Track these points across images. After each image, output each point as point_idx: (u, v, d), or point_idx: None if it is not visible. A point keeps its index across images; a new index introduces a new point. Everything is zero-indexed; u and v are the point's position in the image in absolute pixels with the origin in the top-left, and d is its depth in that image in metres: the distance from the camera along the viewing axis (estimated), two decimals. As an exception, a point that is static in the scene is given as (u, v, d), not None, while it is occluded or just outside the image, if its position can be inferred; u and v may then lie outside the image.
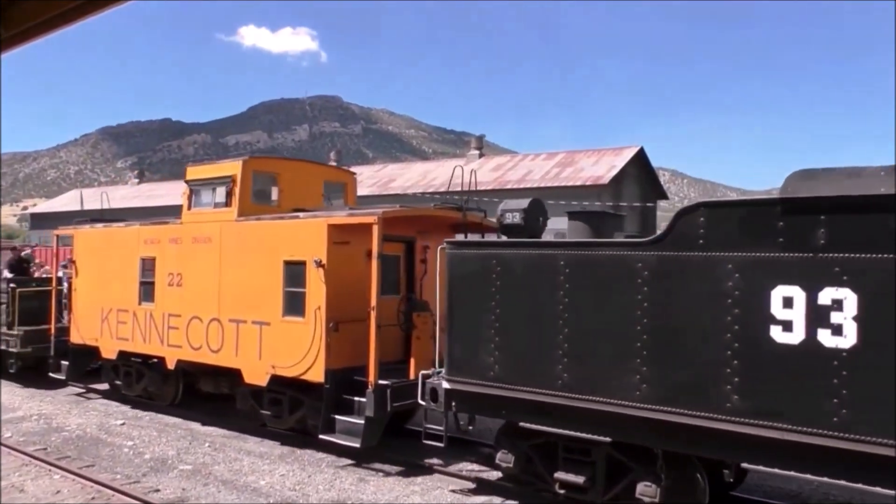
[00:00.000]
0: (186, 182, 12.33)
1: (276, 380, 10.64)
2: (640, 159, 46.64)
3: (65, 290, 15.48)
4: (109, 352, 13.57)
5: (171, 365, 12.32)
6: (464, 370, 8.28)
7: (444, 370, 8.53)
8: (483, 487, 9.17)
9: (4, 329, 15.93)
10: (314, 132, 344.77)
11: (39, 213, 68.99)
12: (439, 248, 8.71)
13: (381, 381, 9.54)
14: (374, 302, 9.60)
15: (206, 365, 11.79)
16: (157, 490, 8.90)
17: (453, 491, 9.06)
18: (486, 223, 11.08)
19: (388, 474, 9.69)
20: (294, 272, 10.38)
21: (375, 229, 9.59)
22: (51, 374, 15.05)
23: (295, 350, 10.24)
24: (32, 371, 16.02)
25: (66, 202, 69.18)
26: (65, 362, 14.76)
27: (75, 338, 14.39)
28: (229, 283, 11.36)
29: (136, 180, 75.99)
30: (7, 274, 17.32)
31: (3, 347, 15.86)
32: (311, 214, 10.63)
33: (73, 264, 14.61)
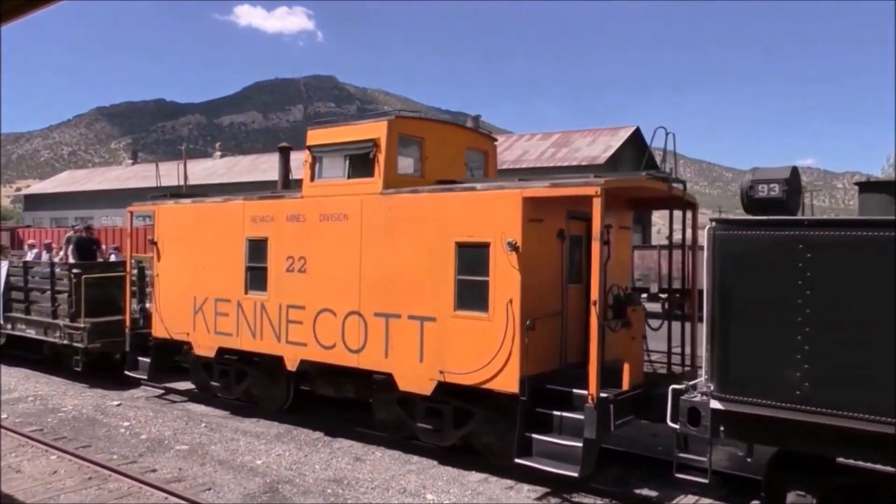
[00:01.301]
0: (309, 148, 10.30)
1: (442, 388, 8.74)
2: (636, 139, 46.59)
3: (134, 277, 13.70)
4: (205, 348, 11.62)
5: (291, 366, 10.34)
6: (748, 387, 6.40)
7: (707, 384, 6.63)
8: (478, 466, 9.23)
9: (66, 321, 13.92)
10: (309, 112, 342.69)
11: (33, 195, 68.54)
12: (707, 227, 6.81)
13: (601, 394, 7.66)
14: (595, 294, 7.66)
15: (337, 367, 9.93)
16: (154, 470, 8.93)
17: (449, 470, 9.11)
18: (688, 198, 9.37)
19: (384, 453, 9.73)
20: (472, 257, 8.44)
21: (597, 204, 7.65)
22: (127, 373, 13.19)
23: (474, 353, 8.32)
24: (98, 368, 14.18)
25: (59, 183, 68.84)
26: (144, 359, 12.93)
27: (159, 331, 12.43)
28: (374, 269, 9.37)
29: (131, 161, 75.57)
30: (71, 258, 15.27)
31: (66, 342, 13.89)
32: (496, 185, 8.55)
33: (155, 246, 12.53)
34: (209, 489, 8.32)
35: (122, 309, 13.66)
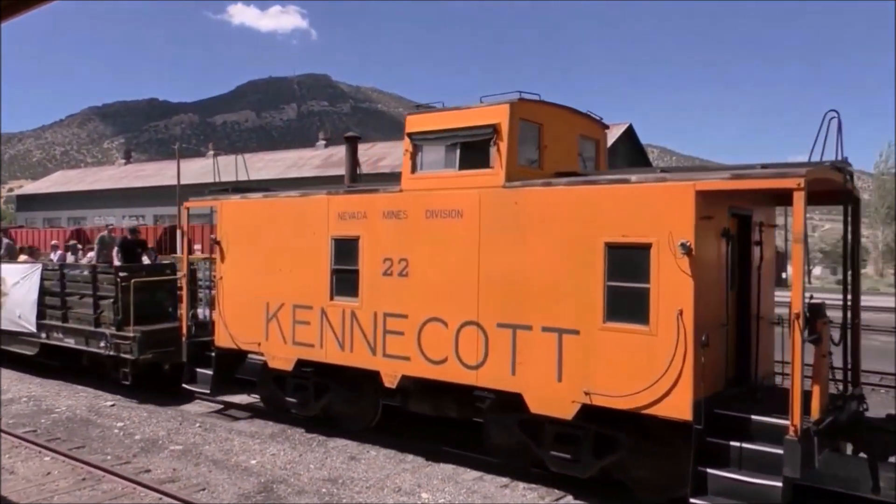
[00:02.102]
0: (409, 136, 9.05)
1: (586, 411, 7.58)
2: (629, 136, 46.64)
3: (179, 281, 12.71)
4: (281, 360, 10.40)
5: (390, 382, 9.14)
6: None
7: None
8: (473, 463, 9.23)
9: (112, 330, 12.70)
10: (303, 111, 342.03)
11: (26, 195, 68.15)
12: None
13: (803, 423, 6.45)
14: (798, 305, 6.44)
15: (447, 384, 8.77)
16: (148, 470, 8.89)
17: (444, 469, 9.10)
18: (855, 191, 8.08)
19: (378, 453, 9.72)
20: (627, 260, 7.25)
21: (799, 199, 6.45)
22: (185, 387, 11.96)
23: (631, 372, 7.16)
24: (142, 380, 12.86)
25: (52, 183, 68.47)
26: (203, 370, 11.70)
27: (223, 340, 11.20)
28: (496, 273, 8.16)
29: (123, 161, 75.27)
30: (117, 260, 14.02)
31: (112, 353, 12.62)
32: (655, 176, 7.38)
33: (218, 246, 11.25)
34: (203, 489, 8.29)
35: (171, 316, 12.87)
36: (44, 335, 14.17)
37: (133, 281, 12.50)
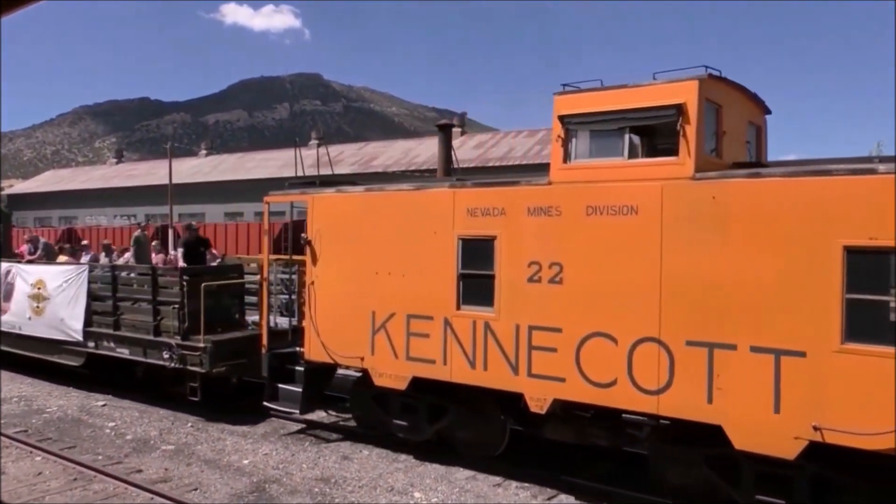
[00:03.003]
0: (562, 119, 7.77)
1: (813, 448, 6.34)
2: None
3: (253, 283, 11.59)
4: (392, 378, 9.10)
5: (538, 406, 7.90)
6: None
7: None
8: (465, 462, 9.24)
9: (177, 339, 11.27)
10: (295, 110, 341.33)
11: (16, 195, 67.80)
12: None
13: None
14: None
15: (617, 410, 7.58)
16: (140, 471, 8.85)
17: (436, 467, 9.11)
18: None
19: (371, 452, 9.72)
20: (874, 268, 6.02)
21: None
22: (266, 404, 10.52)
23: (883, 404, 5.91)
24: (207, 392, 11.35)
25: (43, 183, 68.11)
26: (286, 387, 10.30)
27: (315, 353, 9.87)
28: (685, 281, 6.91)
29: (115, 160, 74.95)
30: (181, 260, 12.73)
31: (177, 365, 11.20)
32: None
33: (309, 246, 9.93)
34: (195, 489, 8.26)
35: (239, 323, 11.83)
36: (91, 344, 12.72)
37: (203, 285, 11.09)
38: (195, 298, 11.08)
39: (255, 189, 50.71)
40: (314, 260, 9.95)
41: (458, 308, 8.54)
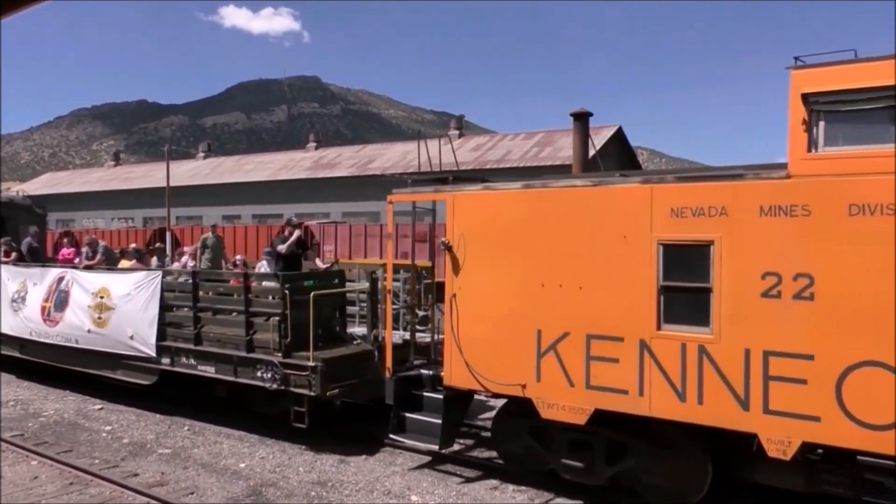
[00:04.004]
0: (806, 98, 6.62)
1: None
2: (619, 138, 46.83)
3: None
4: (566, 410, 7.75)
5: (779, 451, 6.64)
6: None
7: None
8: (462, 465, 9.24)
9: (278, 357, 10.01)
10: (293, 113, 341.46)
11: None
12: None
13: None
14: None
15: (843, 450, 6.56)
16: (136, 474, 8.86)
17: (435, 470, 9.11)
18: None
19: (369, 456, 9.71)
20: None
21: None
22: (392, 437, 9.25)
23: None
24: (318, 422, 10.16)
25: (40, 185, 68.12)
26: (422, 417, 8.95)
27: (459, 378, 8.56)
28: None
29: (112, 162, 74.91)
30: (265, 265, 11.87)
31: (279, 386, 9.90)
32: None
33: (449, 252, 8.61)
34: (192, 493, 8.27)
35: (341, 337, 10.70)
36: (166, 360, 11.44)
37: (313, 294, 9.85)
38: (300, 309, 9.82)
39: (252, 191, 50.86)
40: (456, 268, 8.56)
41: (659, 328, 7.19)
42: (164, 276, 11.73)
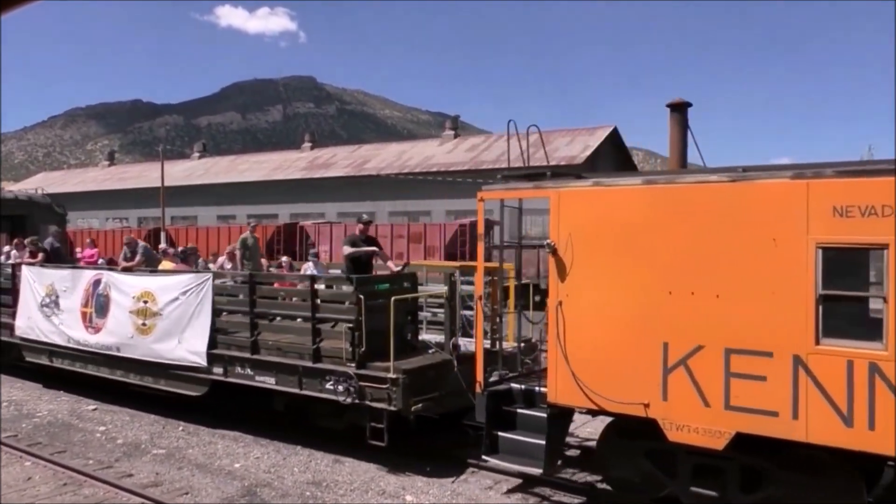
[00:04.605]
0: None
1: None
2: (615, 139, 46.91)
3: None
4: (701, 433, 6.82)
5: None
6: None
7: None
8: (457, 465, 9.24)
9: (351, 367, 9.19)
10: (288, 113, 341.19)
11: (7, 197, 67.81)
12: None
13: None
14: None
15: None
16: (131, 475, 8.84)
17: (429, 470, 9.11)
18: None
19: (363, 456, 9.71)
20: None
21: None
22: (485, 458, 8.26)
23: None
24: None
25: (34, 185, 68.11)
26: (522, 437, 7.94)
27: (567, 395, 7.59)
28: None
29: (107, 162, 74.80)
30: (310, 266, 11.41)
31: (353, 399, 9.07)
32: None
33: (554, 255, 7.67)
34: (186, 493, 8.26)
35: (413, 345, 9.87)
36: (219, 370, 10.60)
37: (394, 299, 9.16)
38: (373, 316, 9.12)
39: (247, 192, 50.79)
40: (562, 273, 7.65)
41: (818, 342, 6.29)
42: (214, 279, 10.96)
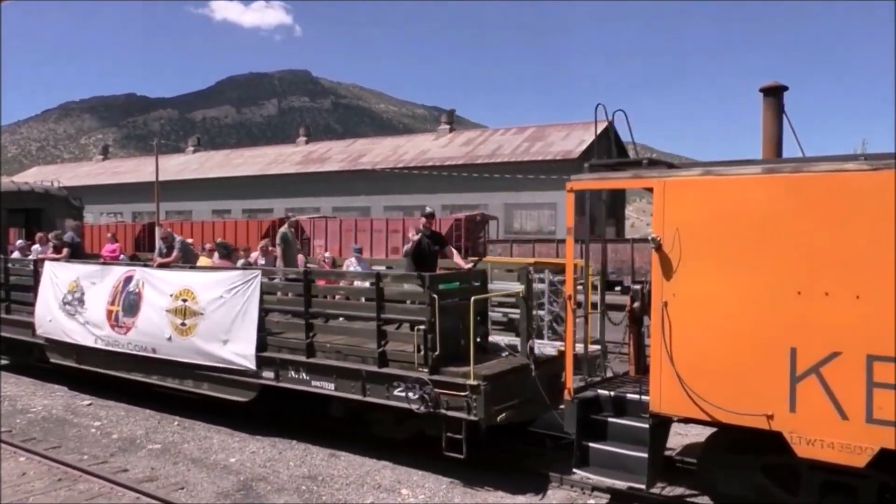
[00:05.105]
0: None
1: None
2: (609, 132, 46.97)
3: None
4: (838, 448, 6.17)
5: None
6: None
7: None
8: (453, 460, 9.24)
9: (423, 372, 8.45)
10: (283, 107, 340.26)
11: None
12: None
13: None
14: None
15: None
16: (126, 470, 8.84)
17: (423, 464, 9.12)
18: None
19: (358, 449, 9.71)
20: None
21: None
22: (574, 471, 7.63)
23: None
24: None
25: (28, 179, 67.88)
26: (619, 450, 7.29)
27: (672, 404, 6.96)
28: None
29: (101, 156, 74.56)
30: (354, 263, 11.10)
31: (428, 408, 8.30)
32: None
33: (658, 251, 7.00)
34: (182, 488, 8.26)
35: (486, 349, 9.18)
36: (269, 374, 9.91)
37: (474, 299, 8.59)
38: (459, 316, 8.58)
39: (242, 186, 50.68)
40: (668, 271, 6.99)
41: None
42: (264, 276, 10.30)
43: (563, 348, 8.46)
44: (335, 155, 52.01)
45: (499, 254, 34.96)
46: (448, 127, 51.47)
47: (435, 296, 8.48)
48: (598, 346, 8.76)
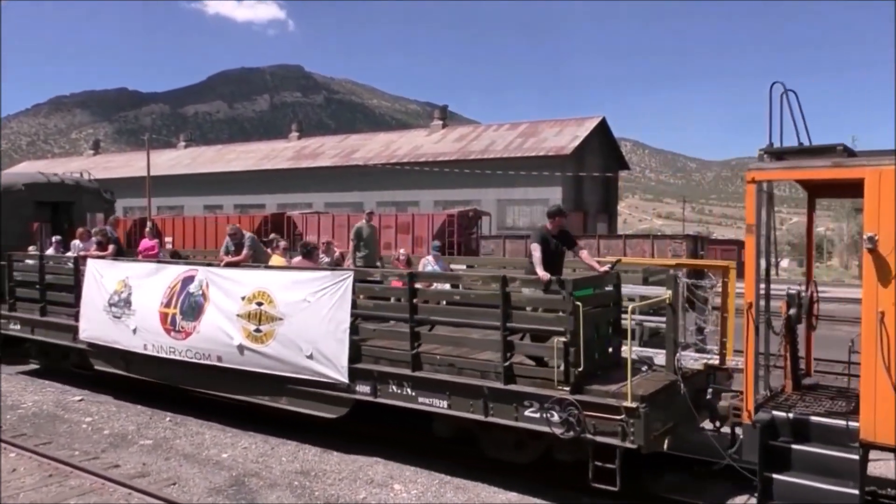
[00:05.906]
0: None
1: None
2: (603, 130, 47.04)
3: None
4: None
5: None
6: None
7: None
8: (445, 455, 9.25)
9: (564, 392, 7.24)
10: (275, 102, 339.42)
11: (-9, 186, 67.07)
12: None
13: None
14: None
15: None
16: (117, 466, 8.80)
17: (415, 460, 9.12)
18: None
19: (351, 445, 9.70)
20: None
21: None
22: None
23: None
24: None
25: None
26: (808, 483, 6.16)
27: (889, 433, 5.80)
28: None
29: (92, 151, 74.24)
30: (430, 261, 10.34)
31: (577, 434, 7.06)
32: None
33: (874, 252, 5.96)
34: (174, 484, 8.22)
35: (619, 363, 7.76)
36: (364, 388, 8.75)
37: (631, 307, 7.68)
38: (588, 327, 7.38)
39: (234, 181, 50.54)
40: (884, 276, 5.93)
41: None
42: (356, 278, 9.14)
43: (708, 361, 7.77)
44: (328, 150, 51.95)
45: (491, 250, 34.98)
46: (441, 123, 51.49)
47: (578, 303, 7.31)
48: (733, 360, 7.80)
